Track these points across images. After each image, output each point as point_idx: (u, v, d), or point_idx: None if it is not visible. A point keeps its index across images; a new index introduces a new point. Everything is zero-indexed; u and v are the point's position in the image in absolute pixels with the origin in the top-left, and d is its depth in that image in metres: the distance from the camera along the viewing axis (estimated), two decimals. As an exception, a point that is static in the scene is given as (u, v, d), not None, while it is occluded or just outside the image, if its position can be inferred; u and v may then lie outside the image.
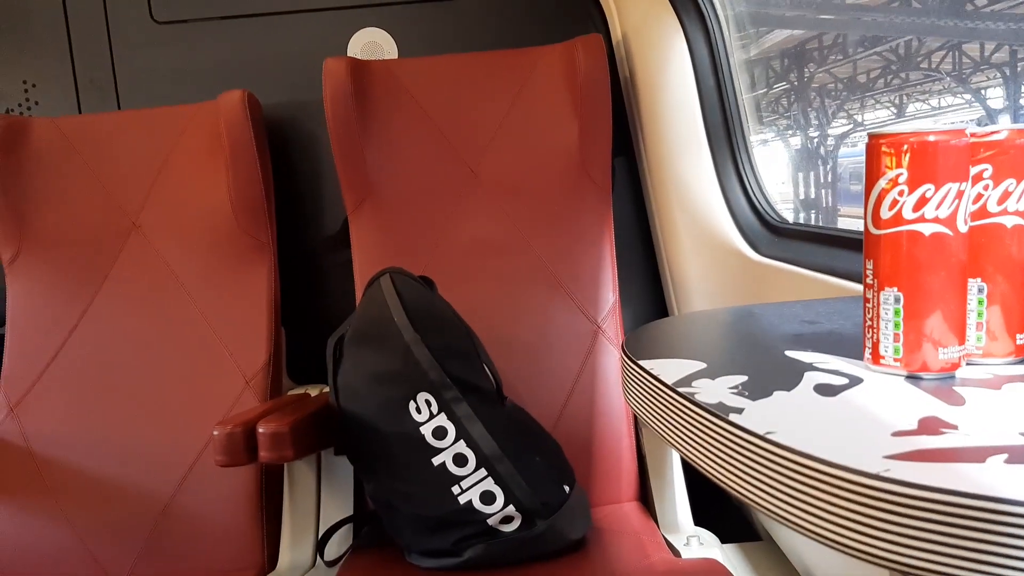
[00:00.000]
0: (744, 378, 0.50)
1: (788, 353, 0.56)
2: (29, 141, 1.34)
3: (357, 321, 1.06)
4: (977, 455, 0.35)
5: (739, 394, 0.46)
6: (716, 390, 0.47)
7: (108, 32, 1.47)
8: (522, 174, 1.33)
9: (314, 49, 1.45)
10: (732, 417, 0.42)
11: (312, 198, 1.50)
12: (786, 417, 0.42)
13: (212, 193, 1.32)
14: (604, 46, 1.29)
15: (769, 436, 0.39)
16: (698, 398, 0.46)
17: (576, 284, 1.30)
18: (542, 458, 1.07)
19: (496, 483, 1.00)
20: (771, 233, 1.18)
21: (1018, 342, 0.52)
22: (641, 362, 0.55)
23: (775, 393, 0.47)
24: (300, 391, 1.36)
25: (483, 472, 1.00)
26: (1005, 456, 0.35)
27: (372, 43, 1.47)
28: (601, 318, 1.28)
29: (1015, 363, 0.52)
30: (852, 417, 0.42)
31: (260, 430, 0.95)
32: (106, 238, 1.32)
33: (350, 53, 1.46)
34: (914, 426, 0.40)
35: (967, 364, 0.52)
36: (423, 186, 1.33)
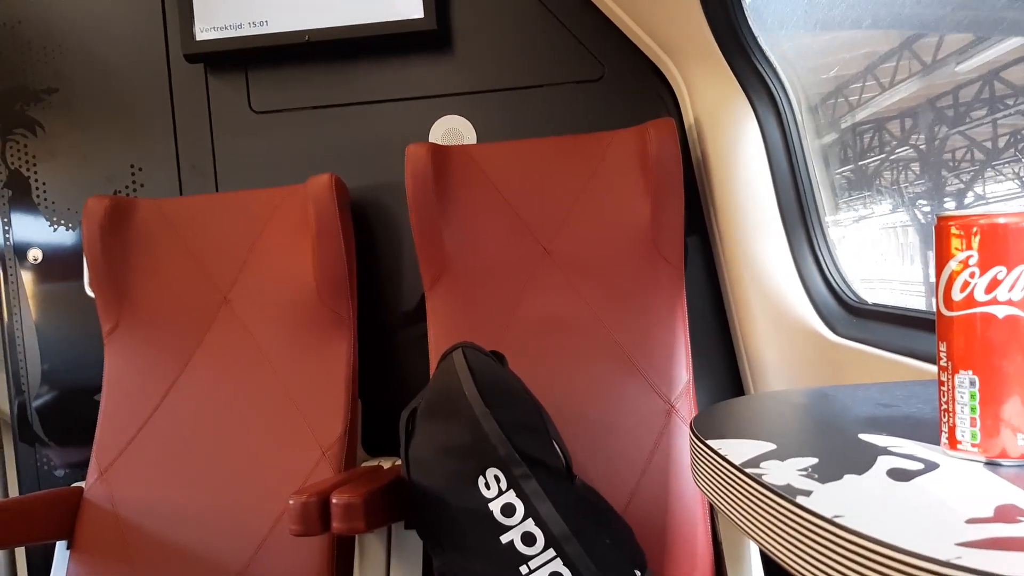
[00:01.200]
0: (815, 460, 0.49)
1: (862, 436, 0.55)
2: (133, 220, 1.44)
3: (429, 394, 1.08)
4: (1056, 546, 0.34)
5: (808, 476, 0.46)
6: (785, 472, 0.47)
7: (210, 120, 1.59)
8: (594, 253, 1.35)
9: (398, 135, 1.53)
10: (800, 499, 0.41)
11: (391, 276, 1.55)
12: (856, 501, 0.41)
13: (298, 270, 1.38)
14: (676, 129, 1.32)
15: (837, 519, 0.38)
16: (765, 479, 0.45)
17: (648, 362, 1.29)
18: (612, 540, 1.06)
19: (565, 564, 0.99)
20: (849, 313, 1.16)
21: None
22: (710, 441, 0.55)
23: (846, 476, 0.46)
24: (374, 463, 1.38)
25: (552, 552, 0.99)
26: (1087, 548, 0.34)
27: (452, 129, 1.54)
28: (675, 397, 1.27)
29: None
30: (925, 503, 0.41)
31: (334, 501, 0.97)
32: (198, 312, 1.40)
33: (432, 138, 1.54)
34: (990, 513, 0.39)
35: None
36: (497, 264, 1.36)
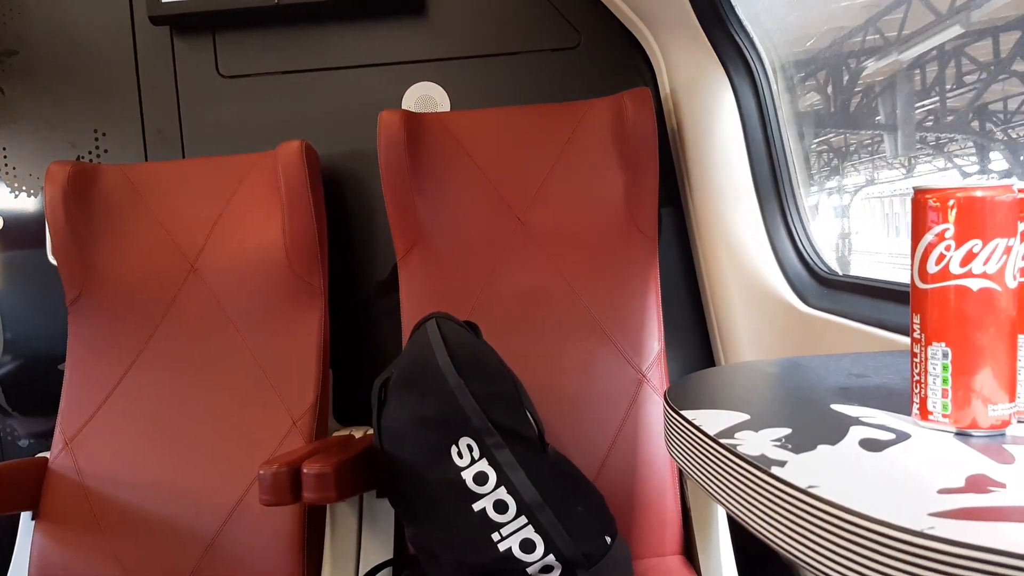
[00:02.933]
0: (788, 431, 0.50)
1: (834, 407, 0.55)
2: (97, 187, 1.40)
3: (402, 365, 1.07)
4: (1026, 515, 0.34)
5: (782, 447, 0.46)
6: (759, 442, 0.47)
7: (176, 85, 1.55)
8: (569, 224, 1.35)
9: (370, 102, 1.50)
10: (774, 470, 0.42)
11: (363, 244, 1.53)
12: (830, 471, 0.41)
13: (268, 238, 1.36)
14: (652, 99, 1.31)
15: (811, 490, 0.38)
16: (740, 450, 0.46)
17: (621, 333, 1.30)
18: (584, 507, 1.06)
19: (537, 531, 0.99)
20: (820, 284, 1.17)
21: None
22: (684, 412, 0.55)
23: (819, 447, 0.46)
24: (345, 432, 1.38)
25: (523, 520, 0.99)
26: (1056, 517, 0.34)
27: (426, 96, 1.52)
28: (646, 367, 1.28)
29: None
30: (898, 473, 0.41)
31: (305, 471, 0.97)
32: (165, 281, 1.37)
33: (404, 105, 1.51)
34: (961, 484, 0.39)
35: (1018, 422, 0.51)
36: (471, 234, 1.35)
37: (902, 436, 0.48)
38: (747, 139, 1.27)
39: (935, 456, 0.44)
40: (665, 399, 0.60)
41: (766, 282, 1.25)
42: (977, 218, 0.47)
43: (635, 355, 1.29)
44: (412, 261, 1.35)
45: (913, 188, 0.50)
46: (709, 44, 1.24)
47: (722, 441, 0.47)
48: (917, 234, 0.50)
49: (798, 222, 1.25)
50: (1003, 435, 0.48)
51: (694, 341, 1.51)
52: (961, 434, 0.49)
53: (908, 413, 0.53)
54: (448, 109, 1.51)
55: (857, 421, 0.52)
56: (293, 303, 1.35)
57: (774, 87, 1.23)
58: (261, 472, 0.97)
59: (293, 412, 1.28)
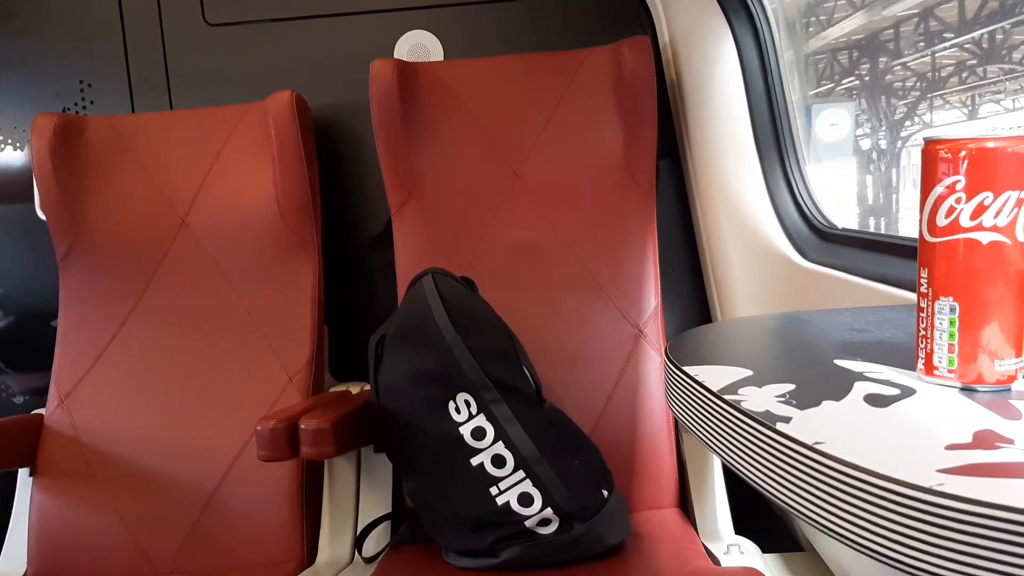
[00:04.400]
0: (791, 386, 0.49)
1: (837, 362, 0.55)
2: (84, 139, 1.38)
3: (399, 320, 1.07)
4: (1036, 472, 0.34)
5: (786, 403, 0.46)
6: (763, 398, 0.47)
7: (162, 34, 1.50)
8: (565, 176, 1.33)
9: (362, 51, 1.47)
10: (779, 426, 0.41)
11: (357, 198, 1.51)
12: (835, 427, 0.41)
13: (259, 192, 1.34)
14: (650, 48, 1.28)
15: (818, 446, 0.38)
16: (744, 406, 0.45)
17: (618, 287, 1.29)
18: (581, 461, 1.07)
19: (534, 485, 1.00)
20: (819, 238, 1.16)
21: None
22: (686, 368, 0.54)
23: (824, 403, 0.46)
24: (342, 388, 1.38)
25: (521, 474, 1.00)
26: (1066, 474, 0.34)
27: (419, 45, 1.48)
28: (643, 322, 1.27)
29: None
30: (904, 429, 0.41)
31: (302, 426, 0.97)
32: (156, 235, 1.35)
33: (397, 55, 1.48)
34: (968, 439, 0.39)
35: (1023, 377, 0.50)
36: (467, 187, 1.33)
37: (907, 391, 0.48)
38: (748, 89, 1.24)
39: (941, 412, 0.44)
40: (666, 354, 0.59)
41: (765, 236, 1.24)
42: (989, 170, 0.46)
43: (631, 310, 1.28)
44: (406, 215, 1.33)
45: (924, 139, 0.49)
46: None
47: (726, 397, 0.47)
48: (927, 186, 0.48)
49: (797, 175, 1.23)
50: (1009, 391, 0.48)
51: (691, 295, 1.50)
52: (967, 389, 0.48)
53: (912, 368, 0.52)
54: (441, 58, 1.47)
55: (861, 376, 0.51)
56: (286, 257, 1.34)
57: (776, 36, 1.21)
58: (258, 428, 0.97)
59: (289, 367, 1.28)
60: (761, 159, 1.25)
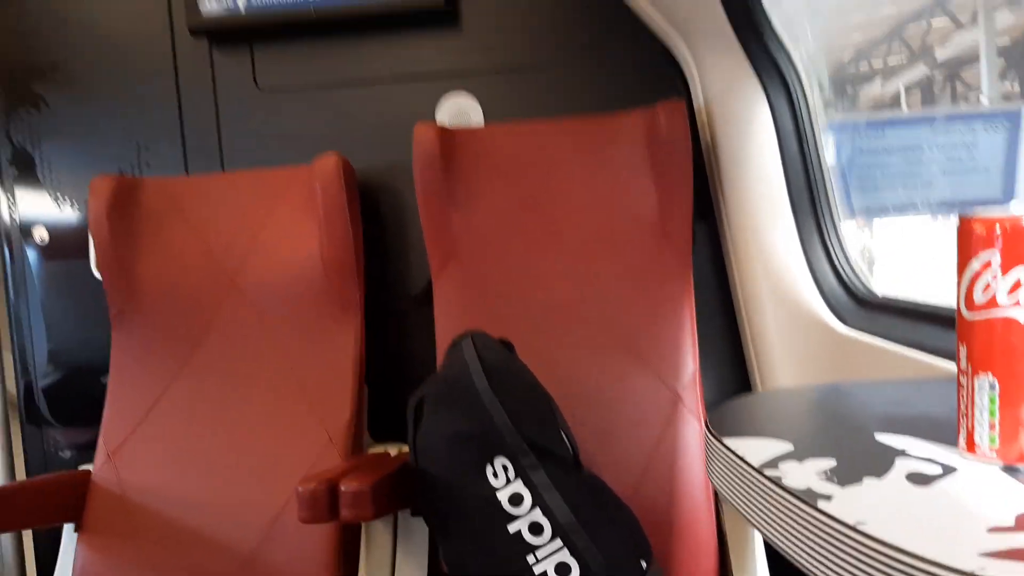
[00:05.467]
0: (833, 462, 0.49)
1: (878, 436, 0.55)
2: (139, 200, 1.43)
3: (438, 382, 1.08)
4: (1082, 558, 0.34)
5: (828, 479, 0.46)
6: (804, 474, 0.47)
7: (215, 97, 1.58)
8: (603, 238, 1.34)
9: (405, 114, 1.52)
10: (821, 504, 0.41)
11: (399, 259, 1.55)
12: (877, 507, 0.41)
13: (306, 252, 1.38)
14: (686, 111, 1.31)
15: (859, 526, 0.38)
16: (786, 482, 0.45)
17: (655, 351, 1.29)
18: (618, 530, 1.06)
19: (572, 554, 0.99)
20: (858, 305, 1.15)
21: None
22: (726, 440, 0.55)
23: (865, 480, 0.46)
24: (380, 449, 1.39)
25: (559, 543, 0.99)
26: (1114, 561, 0.33)
27: (459, 107, 1.53)
28: (681, 387, 1.27)
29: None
30: (946, 510, 0.41)
31: (343, 489, 0.98)
32: (206, 295, 1.40)
33: (438, 117, 1.53)
34: (1011, 522, 0.38)
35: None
36: (505, 249, 1.36)
37: (949, 470, 0.48)
38: (783, 152, 1.26)
39: (984, 492, 0.43)
40: (706, 426, 0.59)
41: (803, 301, 1.23)
42: (1021, 245, 0.47)
43: (670, 374, 1.28)
44: (447, 276, 1.36)
45: (959, 215, 0.50)
46: (744, 54, 1.23)
47: (767, 472, 0.47)
48: (963, 262, 0.49)
49: (835, 239, 1.23)
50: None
51: (729, 360, 1.49)
52: (1009, 468, 0.48)
53: (954, 444, 0.52)
54: (481, 120, 1.52)
55: (903, 453, 0.51)
56: (330, 318, 1.37)
57: (811, 100, 1.22)
58: (299, 489, 0.98)
59: (329, 428, 1.30)
60: (797, 223, 1.26)
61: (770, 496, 0.46)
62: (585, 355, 1.30)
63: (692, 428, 1.25)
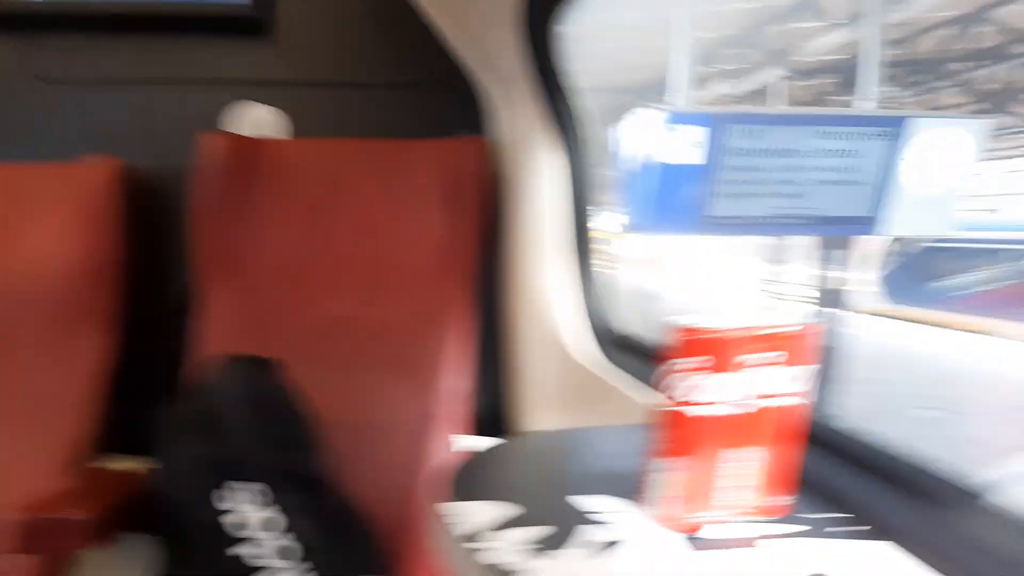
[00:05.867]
0: (538, 533, 0.54)
1: (579, 498, 0.61)
2: None
3: (189, 403, 1.05)
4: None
5: (526, 550, 0.50)
6: (505, 545, 0.51)
7: None
8: (388, 262, 1.35)
9: (202, 120, 1.44)
10: None
11: (167, 269, 1.45)
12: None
13: (52, 256, 1.27)
14: (482, 148, 1.35)
15: None
16: (481, 555, 0.49)
17: (430, 375, 1.31)
18: (363, 550, 1.08)
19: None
20: (612, 346, 1.25)
21: (782, 504, 0.60)
22: (450, 503, 0.58)
23: (561, 550, 0.51)
24: (123, 464, 1.30)
25: (298, 565, 1.00)
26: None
27: (262, 119, 1.47)
28: (453, 407, 1.31)
29: (776, 521, 0.59)
30: None
31: (54, 517, 0.91)
32: None
33: (238, 127, 1.45)
34: None
35: (733, 522, 0.58)
36: (285, 266, 1.33)
37: (630, 537, 0.54)
38: (559, 197, 1.34)
39: (658, 560, 0.50)
40: (436, 490, 0.62)
41: (561, 339, 1.32)
42: (710, 352, 0.54)
43: (443, 395, 1.31)
44: (221, 290, 1.30)
45: (667, 323, 0.57)
46: (537, 102, 1.30)
47: (466, 543, 0.51)
48: (666, 361, 0.56)
49: (591, 284, 1.33)
50: (720, 537, 0.56)
51: (490, 383, 1.55)
52: (690, 537, 0.56)
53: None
54: (284, 135, 1.47)
55: (602, 517, 0.57)
56: (81, 325, 1.27)
57: (586, 158, 1.32)
58: (14, 518, 0.90)
59: (58, 446, 1.19)
60: (564, 268, 1.34)
61: (468, 566, 0.50)
62: (360, 377, 1.30)
63: (461, 447, 1.29)
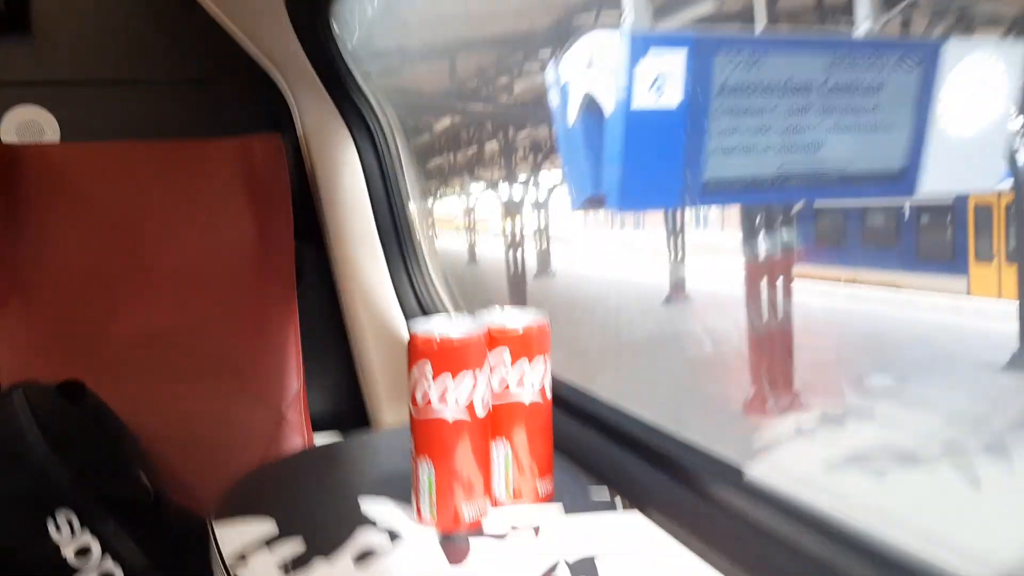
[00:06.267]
0: (302, 547, 0.56)
1: (361, 502, 0.64)
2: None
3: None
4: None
5: (284, 569, 0.53)
6: (268, 565, 0.53)
7: None
8: (198, 266, 1.31)
9: None
10: None
11: None
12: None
13: None
14: (282, 144, 1.32)
15: None
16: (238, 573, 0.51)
17: (258, 374, 1.30)
18: (199, 567, 1.07)
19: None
20: None
21: (539, 490, 0.65)
22: (220, 521, 0.59)
23: (315, 561, 0.53)
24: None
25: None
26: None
27: (30, 123, 1.36)
28: (285, 406, 1.30)
29: (535, 507, 0.65)
30: None
31: None
32: None
33: (4, 132, 1.35)
34: None
35: (493, 514, 0.63)
36: (84, 280, 1.26)
37: (397, 538, 0.57)
38: (370, 193, 1.34)
39: (422, 558, 0.54)
40: (217, 506, 0.64)
41: (393, 327, 1.34)
42: (449, 357, 0.58)
43: (273, 395, 1.30)
44: (9, 311, 1.23)
45: (409, 331, 0.60)
46: (331, 100, 1.28)
47: (228, 563, 0.53)
48: (409, 370, 0.59)
49: (417, 271, 1.35)
50: (480, 532, 0.60)
51: (344, 378, 1.54)
52: (444, 536, 0.59)
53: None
54: (57, 139, 1.37)
55: (367, 522, 0.60)
56: None
57: (392, 147, 1.33)
58: None
59: None
60: (386, 255, 1.35)
61: None
62: (184, 386, 1.27)
63: (296, 446, 1.29)
